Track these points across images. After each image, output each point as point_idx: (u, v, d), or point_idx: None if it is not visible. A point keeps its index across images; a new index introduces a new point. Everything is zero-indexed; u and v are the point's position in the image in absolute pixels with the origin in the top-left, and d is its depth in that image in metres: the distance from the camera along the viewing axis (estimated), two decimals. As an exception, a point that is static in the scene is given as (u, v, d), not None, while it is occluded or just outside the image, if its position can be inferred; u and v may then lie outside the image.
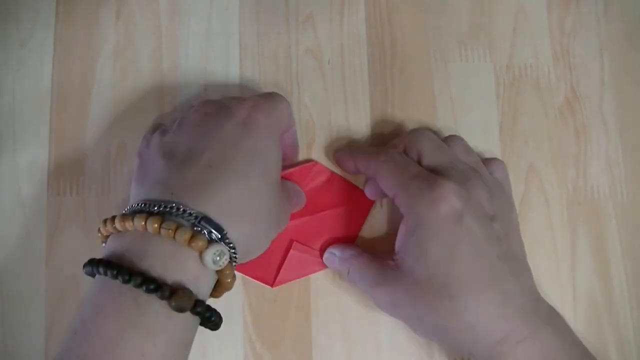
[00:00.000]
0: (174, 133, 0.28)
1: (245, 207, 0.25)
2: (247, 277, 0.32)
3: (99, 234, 0.26)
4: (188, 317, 0.23)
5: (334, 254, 0.32)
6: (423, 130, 0.32)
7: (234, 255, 0.25)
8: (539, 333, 0.27)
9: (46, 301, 0.32)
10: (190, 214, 0.24)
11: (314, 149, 0.35)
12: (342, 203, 0.34)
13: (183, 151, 0.27)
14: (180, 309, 0.22)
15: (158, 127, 0.31)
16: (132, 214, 0.24)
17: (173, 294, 0.22)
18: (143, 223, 0.23)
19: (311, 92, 0.35)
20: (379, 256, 0.31)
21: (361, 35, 0.36)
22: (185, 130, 0.28)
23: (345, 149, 0.34)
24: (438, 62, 0.36)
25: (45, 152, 0.33)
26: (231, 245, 0.24)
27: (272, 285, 0.32)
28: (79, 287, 0.32)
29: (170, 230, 0.23)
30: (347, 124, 0.35)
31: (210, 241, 0.23)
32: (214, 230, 0.24)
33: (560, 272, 0.34)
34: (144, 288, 0.22)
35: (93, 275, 0.24)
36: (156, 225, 0.23)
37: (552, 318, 0.28)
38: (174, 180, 0.25)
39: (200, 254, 0.23)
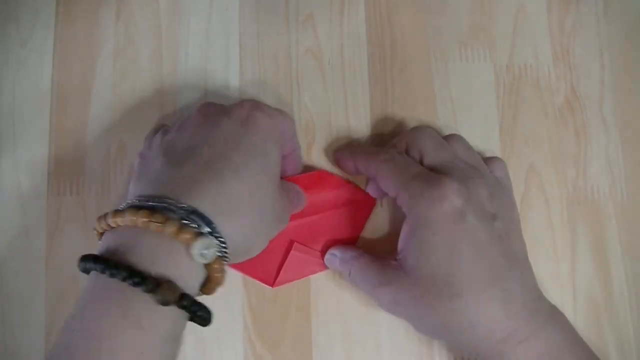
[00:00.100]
0: (176, 133, 0.29)
1: (240, 203, 0.25)
2: (247, 277, 0.32)
3: (95, 232, 0.26)
4: (175, 311, 0.23)
5: (334, 255, 0.32)
6: (424, 128, 0.32)
7: (224, 250, 0.25)
8: (541, 331, 0.27)
9: (46, 301, 0.32)
10: (180, 208, 0.24)
11: (314, 149, 0.35)
12: (344, 204, 0.33)
13: (182, 149, 0.27)
14: (164, 302, 0.22)
15: (160, 128, 0.32)
16: (124, 209, 0.24)
17: (158, 287, 0.22)
18: (133, 217, 0.23)
19: (311, 92, 0.35)
20: (380, 257, 0.31)
21: (361, 35, 0.36)
22: (186, 130, 0.28)
23: (344, 149, 0.34)
24: (438, 62, 0.36)
25: (45, 152, 0.33)
26: (221, 239, 0.24)
27: (272, 286, 0.32)
28: (79, 287, 0.32)
29: (158, 224, 0.23)
30: (347, 124, 0.35)
31: (199, 234, 0.23)
32: (203, 224, 0.24)
33: (560, 272, 0.34)
34: (130, 282, 0.22)
35: (87, 272, 0.24)
36: (145, 219, 0.23)
37: (553, 316, 0.28)
38: (170, 177, 0.25)
39: (188, 247, 0.23)
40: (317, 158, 0.34)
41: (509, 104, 0.36)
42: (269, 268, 0.32)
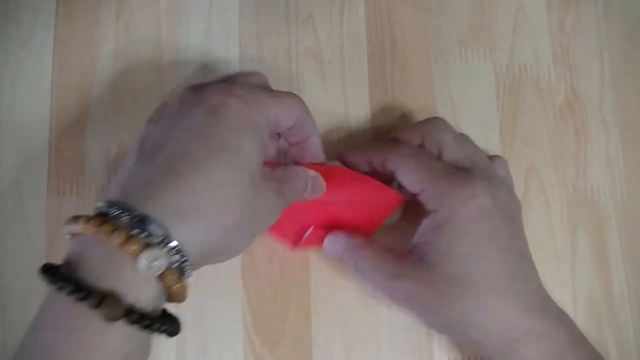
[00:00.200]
0: (152, 125, 0.26)
1: (203, 204, 0.23)
2: (246, 277, 0.33)
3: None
4: (126, 327, 0.21)
5: (337, 241, 0.31)
6: (441, 121, 0.31)
7: (183, 259, 0.22)
8: (551, 330, 0.27)
9: (46, 301, 0.32)
10: (133, 216, 0.22)
11: (314, 149, 0.35)
12: (369, 197, 0.31)
13: (152, 145, 0.25)
14: (110, 318, 0.20)
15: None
16: (81, 216, 0.22)
17: (102, 302, 0.20)
18: (86, 226, 0.21)
19: (311, 92, 0.35)
20: (389, 248, 0.30)
21: (361, 35, 0.36)
22: (161, 121, 0.26)
23: (354, 148, 0.32)
24: (438, 62, 0.36)
25: (45, 152, 0.33)
26: (177, 248, 0.22)
27: (292, 249, 0.31)
28: (79, 287, 0.32)
29: (105, 234, 0.21)
30: (347, 124, 0.35)
31: (146, 245, 0.21)
32: (157, 232, 0.22)
33: (560, 272, 0.34)
34: (75, 296, 0.20)
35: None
36: (93, 229, 0.21)
37: (561, 315, 0.29)
38: (135, 178, 0.24)
39: (135, 259, 0.21)
40: (317, 158, 0.34)
41: (509, 104, 0.36)
42: (291, 232, 0.31)
